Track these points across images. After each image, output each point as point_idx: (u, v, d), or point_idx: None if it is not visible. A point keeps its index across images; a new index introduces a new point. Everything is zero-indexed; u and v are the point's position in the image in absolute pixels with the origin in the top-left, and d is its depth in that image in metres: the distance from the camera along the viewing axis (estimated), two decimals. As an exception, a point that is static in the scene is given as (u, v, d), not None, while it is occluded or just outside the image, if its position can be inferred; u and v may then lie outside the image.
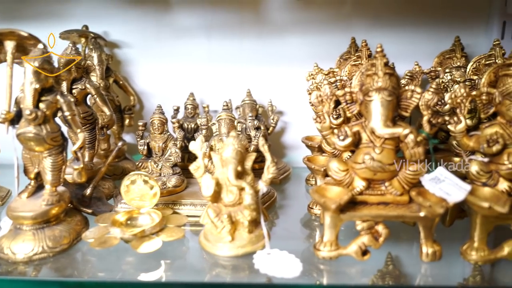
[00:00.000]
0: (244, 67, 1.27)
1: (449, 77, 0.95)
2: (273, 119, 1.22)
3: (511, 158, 0.73)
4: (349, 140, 0.74)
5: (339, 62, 1.18)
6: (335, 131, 0.76)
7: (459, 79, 0.96)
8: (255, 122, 1.02)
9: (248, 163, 0.81)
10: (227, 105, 1.02)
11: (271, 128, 1.22)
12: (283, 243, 0.84)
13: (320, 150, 1.02)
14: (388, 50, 1.22)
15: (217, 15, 1.25)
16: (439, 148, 1.00)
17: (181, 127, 1.19)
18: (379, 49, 0.77)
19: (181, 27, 1.27)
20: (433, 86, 0.75)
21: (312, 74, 1.12)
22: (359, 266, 0.74)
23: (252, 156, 0.82)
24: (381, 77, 0.74)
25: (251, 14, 1.24)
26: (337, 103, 0.81)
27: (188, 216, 0.92)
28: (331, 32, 1.24)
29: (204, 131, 1.01)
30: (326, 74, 1.13)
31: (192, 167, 0.81)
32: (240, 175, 0.79)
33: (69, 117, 0.80)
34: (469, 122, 0.91)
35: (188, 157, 1.12)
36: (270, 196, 0.99)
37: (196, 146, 0.80)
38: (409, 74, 0.95)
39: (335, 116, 0.92)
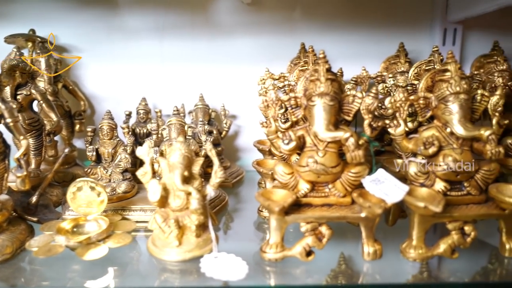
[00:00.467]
0: (197, 71, 1.28)
1: (392, 82, 0.98)
2: (226, 123, 1.23)
3: (446, 159, 0.77)
4: (293, 144, 0.76)
5: (289, 67, 1.20)
6: (280, 135, 0.78)
7: (401, 83, 1.00)
8: (206, 126, 1.02)
9: (196, 168, 0.82)
10: (177, 110, 1.02)
11: (224, 132, 1.23)
12: (234, 246, 0.86)
13: (271, 153, 1.04)
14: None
15: (168, 17, 1.25)
16: (383, 151, 1.03)
17: (133, 132, 1.18)
18: (321, 55, 0.79)
19: (132, 29, 1.26)
20: (373, 91, 0.78)
21: (263, 79, 1.14)
22: (304, 266, 0.75)
23: (200, 161, 0.83)
24: (323, 83, 0.76)
25: (201, 16, 1.24)
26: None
27: (138, 222, 0.91)
28: (282, 36, 1.26)
29: (154, 137, 1.01)
30: (277, 79, 1.15)
31: (139, 173, 0.80)
32: (187, 180, 0.79)
33: (11, 124, 0.78)
34: (410, 125, 0.95)
35: (140, 162, 1.11)
36: (221, 200, 1.00)
37: (143, 152, 0.80)
38: (354, 79, 0.98)
39: (283, 120, 0.95)
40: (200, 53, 1.24)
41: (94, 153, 0.99)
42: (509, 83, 1.01)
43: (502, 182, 0.80)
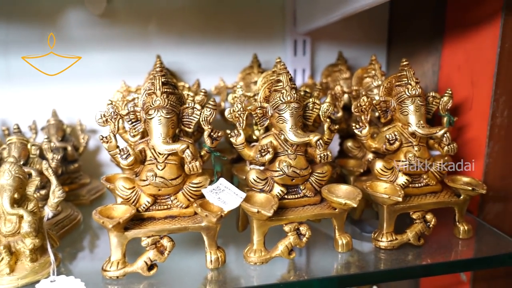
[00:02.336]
0: (50, 87, 1.21)
1: (241, 92, 1.02)
2: (83, 138, 1.19)
3: (281, 165, 0.81)
4: (131, 158, 0.76)
5: (147, 79, 1.19)
6: (118, 150, 0.77)
7: (250, 94, 1.04)
8: (52, 144, 0.98)
9: (31, 189, 0.78)
10: (18, 128, 0.96)
11: (81, 148, 1.18)
12: (80, 266, 0.83)
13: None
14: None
15: (11, 30, 1.17)
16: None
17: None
18: (158, 69, 0.79)
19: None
20: (211, 102, 0.80)
21: (119, 92, 1.12)
22: (147, 281, 0.75)
23: (35, 181, 0.79)
24: (159, 96, 0.77)
25: (51, 30, 1.19)
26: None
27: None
28: (137, 49, 1.24)
29: (-5, 157, 0.94)
30: (134, 92, 1.14)
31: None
32: (19, 202, 0.75)
33: None
34: (257, 133, 0.99)
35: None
36: (72, 219, 0.96)
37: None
38: (203, 90, 1.00)
39: (132, 134, 0.94)
40: (51, 68, 1.18)
41: None
42: (347, 90, 1.10)
43: (335, 183, 0.86)
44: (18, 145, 0.93)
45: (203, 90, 0.99)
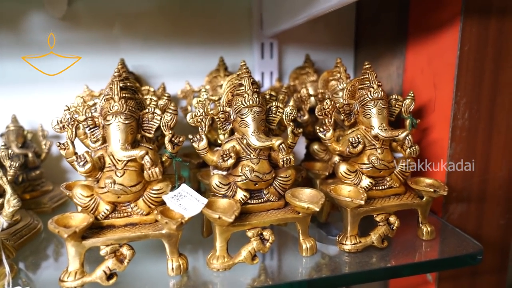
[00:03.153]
0: (9, 93, 1.18)
1: (205, 96, 1.00)
2: (45, 144, 1.16)
3: (244, 169, 0.80)
4: (88, 165, 0.74)
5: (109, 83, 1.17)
6: (75, 157, 0.75)
7: (215, 98, 1.03)
8: (9, 151, 0.95)
9: (-15, 198, 0.75)
10: (-27, 135, 0.94)
11: (43, 154, 1.15)
12: (39, 277, 0.81)
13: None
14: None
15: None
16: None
17: None
18: (116, 74, 0.78)
19: None
20: (171, 107, 0.79)
21: (81, 97, 1.09)
22: (107, 291, 0.73)
23: (-11, 190, 0.76)
24: (117, 101, 0.75)
25: (10, 34, 1.16)
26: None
27: None
28: (101, 53, 1.22)
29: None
30: (97, 96, 1.12)
31: None
32: (-29, 212, 0.72)
33: None
34: (222, 137, 0.98)
35: None
36: (32, 228, 0.93)
37: None
38: (166, 94, 0.98)
39: (94, 140, 0.91)
40: (11, 73, 1.15)
41: None
42: (312, 93, 1.10)
43: (298, 187, 0.86)
44: (-27, 152, 0.89)
45: (166, 94, 0.97)
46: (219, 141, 0.99)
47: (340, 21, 1.38)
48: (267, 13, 1.26)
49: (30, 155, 1.10)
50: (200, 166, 1.11)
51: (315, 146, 1.06)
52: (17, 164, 0.93)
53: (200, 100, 1.01)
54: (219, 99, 1.01)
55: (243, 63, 0.96)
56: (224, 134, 0.96)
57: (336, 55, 1.32)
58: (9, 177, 0.93)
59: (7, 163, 0.92)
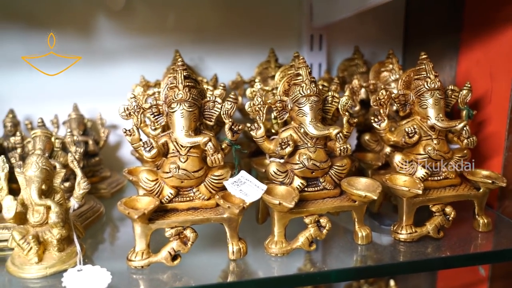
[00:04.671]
0: (71, 80, 1.23)
1: (259, 86, 1.03)
2: (103, 132, 1.21)
3: (302, 158, 0.82)
4: (154, 151, 0.77)
5: (165, 73, 1.20)
6: (142, 143, 0.78)
7: (268, 88, 1.05)
8: (75, 137, 1.00)
9: (57, 181, 0.80)
10: (42, 122, 0.98)
11: (101, 142, 1.20)
12: (105, 257, 0.85)
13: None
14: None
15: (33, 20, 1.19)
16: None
17: (0, 146, 1.11)
18: (179, 63, 0.81)
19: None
20: (232, 96, 0.81)
21: (137, 86, 1.13)
22: (171, 271, 0.76)
23: (61, 173, 0.80)
24: (181, 90, 0.78)
25: (71, 21, 1.21)
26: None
27: (1, 241, 0.86)
28: (155, 45, 1.26)
29: (19, 150, 0.96)
30: (153, 86, 1.15)
31: (-8, 189, 0.77)
32: (46, 193, 0.77)
33: None
34: (276, 127, 1.00)
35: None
36: (95, 211, 0.98)
37: (-4, 167, 0.77)
38: (222, 84, 1.01)
39: (153, 128, 0.95)
40: (72, 61, 1.19)
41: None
42: (365, 84, 1.10)
43: (354, 176, 0.87)
44: (43, 138, 0.95)
45: (222, 85, 1.00)
46: (273, 130, 1.02)
47: (389, 12, 1.37)
48: (318, 5, 1.26)
49: (90, 142, 1.15)
50: (251, 155, 1.13)
51: (367, 137, 1.07)
52: (81, 150, 0.98)
53: (254, 90, 1.04)
54: (273, 89, 1.04)
55: (297, 54, 0.98)
56: (278, 123, 0.98)
57: (384, 46, 1.32)
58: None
59: (72, 148, 0.97)
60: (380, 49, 1.36)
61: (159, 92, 1.00)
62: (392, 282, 1.28)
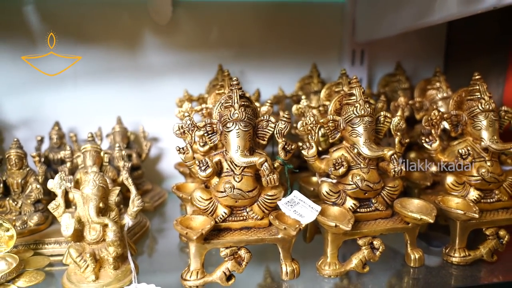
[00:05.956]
0: (114, 93, 1.25)
1: (305, 103, 1.02)
2: (145, 145, 1.22)
3: (355, 178, 0.81)
4: (210, 170, 0.77)
5: (208, 88, 1.21)
6: (197, 161, 0.79)
7: (314, 104, 1.04)
8: (124, 152, 1.00)
9: (112, 198, 0.80)
10: (92, 136, 0.99)
11: (144, 155, 1.21)
12: (157, 274, 0.85)
13: (192, 176, 1.04)
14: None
15: (81, 35, 1.21)
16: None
17: (46, 158, 1.13)
18: (235, 82, 0.81)
19: (42, 49, 1.20)
20: (285, 115, 0.81)
21: (181, 100, 1.14)
22: (225, 291, 0.76)
23: (116, 191, 0.81)
24: (237, 109, 0.78)
25: (117, 35, 1.22)
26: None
27: (53, 255, 0.88)
28: (198, 58, 1.27)
29: (68, 164, 0.98)
30: (196, 100, 1.16)
31: (51, 206, 0.77)
32: (103, 211, 0.77)
33: None
34: (323, 145, 1.00)
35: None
36: (142, 226, 0.99)
37: (55, 184, 0.77)
38: (268, 102, 1.01)
39: (202, 144, 0.95)
40: (116, 74, 1.21)
41: (1, 185, 0.94)
42: (410, 102, 1.09)
43: (405, 197, 0.86)
44: (93, 153, 0.96)
45: (268, 102, 1.00)
46: (319, 149, 1.01)
47: (431, 29, 1.36)
48: (361, 20, 1.26)
49: (134, 155, 1.16)
50: (294, 172, 1.13)
51: (412, 155, 1.06)
52: (129, 165, 0.98)
53: (300, 107, 1.03)
54: (319, 106, 1.03)
55: (344, 71, 0.98)
56: (325, 142, 0.98)
57: (425, 62, 1.31)
58: (121, 178, 0.99)
59: (121, 163, 0.98)
60: (421, 64, 1.35)
61: (207, 108, 1.01)
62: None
